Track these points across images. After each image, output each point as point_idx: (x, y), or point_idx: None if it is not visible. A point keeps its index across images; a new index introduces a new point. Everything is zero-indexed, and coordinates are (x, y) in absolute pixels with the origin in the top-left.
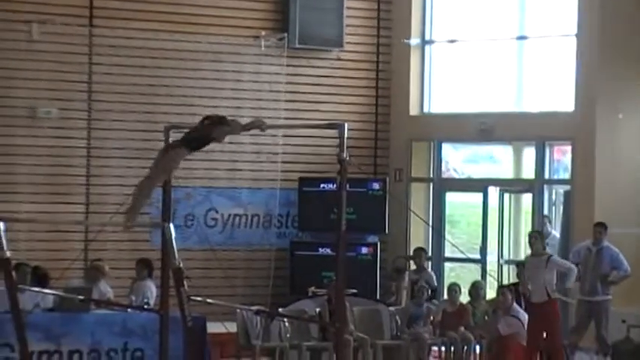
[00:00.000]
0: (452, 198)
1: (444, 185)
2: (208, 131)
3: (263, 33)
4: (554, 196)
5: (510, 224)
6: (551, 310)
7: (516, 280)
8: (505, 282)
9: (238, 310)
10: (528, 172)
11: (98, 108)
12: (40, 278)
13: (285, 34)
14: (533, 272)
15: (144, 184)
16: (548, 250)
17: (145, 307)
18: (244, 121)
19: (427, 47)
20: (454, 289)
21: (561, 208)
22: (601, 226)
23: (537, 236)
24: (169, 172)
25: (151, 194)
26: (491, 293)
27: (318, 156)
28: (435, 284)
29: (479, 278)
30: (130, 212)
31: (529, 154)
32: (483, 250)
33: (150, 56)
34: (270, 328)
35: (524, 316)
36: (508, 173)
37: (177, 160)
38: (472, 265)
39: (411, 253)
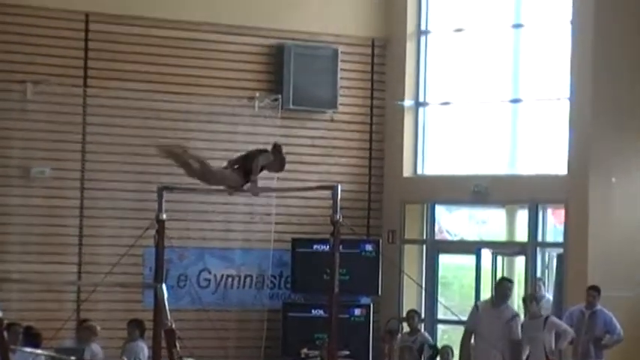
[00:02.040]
0: (445, 260)
1: (437, 247)
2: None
3: (257, 94)
4: (547, 259)
5: None
6: None
7: None
8: None
9: None
10: (521, 235)
11: (91, 168)
12: (33, 338)
13: (279, 96)
14: (532, 334)
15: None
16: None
17: None
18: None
19: (421, 109)
20: (447, 351)
21: (554, 270)
22: (594, 290)
23: (532, 299)
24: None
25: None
26: None
27: (311, 217)
28: (433, 343)
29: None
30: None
31: (522, 216)
32: None
33: (143, 117)
34: None
35: None
36: (501, 235)
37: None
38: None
39: (404, 315)
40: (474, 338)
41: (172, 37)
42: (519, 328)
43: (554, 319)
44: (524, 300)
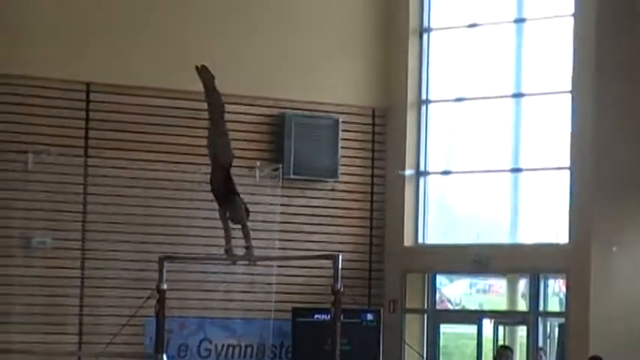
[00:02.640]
0: (446, 329)
1: (439, 317)
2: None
3: (258, 163)
4: (548, 329)
5: None
6: None
7: None
8: None
9: None
10: (523, 304)
11: (92, 238)
12: None
13: (280, 165)
14: None
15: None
16: None
17: None
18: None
19: (421, 178)
20: None
21: (556, 340)
22: None
23: None
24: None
25: None
26: None
27: (312, 287)
28: None
29: None
30: None
31: (523, 285)
32: None
33: (144, 186)
34: None
35: None
36: (503, 305)
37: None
38: None
39: None
40: None
41: (173, 106)
42: None
43: None
44: None
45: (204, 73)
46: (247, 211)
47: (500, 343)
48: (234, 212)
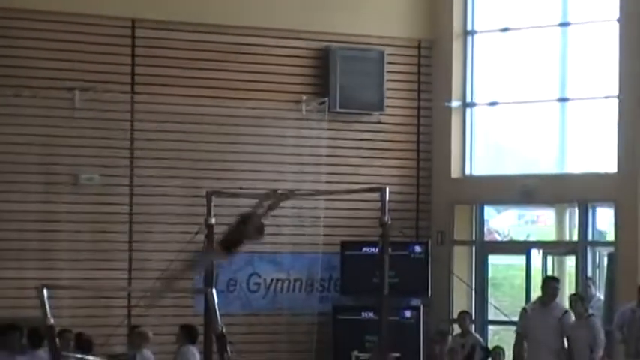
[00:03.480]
0: (494, 260)
1: (487, 248)
2: (241, 234)
3: (304, 97)
4: (597, 259)
5: None
6: None
7: None
8: None
9: None
10: (572, 234)
11: (140, 174)
12: (84, 345)
13: (326, 99)
14: (575, 333)
15: (166, 282)
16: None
17: None
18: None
19: (468, 110)
20: (498, 352)
21: (605, 270)
22: None
23: (578, 299)
24: (197, 270)
25: (171, 289)
26: None
27: (360, 219)
28: (485, 345)
29: None
30: (150, 299)
31: (572, 215)
32: None
33: (191, 122)
34: None
35: None
36: (551, 235)
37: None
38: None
39: (455, 317)
40: (527, 341)
41: (218, 41)
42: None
43: (595, 320)
44: (570, 299)
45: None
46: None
47: (549, 273)
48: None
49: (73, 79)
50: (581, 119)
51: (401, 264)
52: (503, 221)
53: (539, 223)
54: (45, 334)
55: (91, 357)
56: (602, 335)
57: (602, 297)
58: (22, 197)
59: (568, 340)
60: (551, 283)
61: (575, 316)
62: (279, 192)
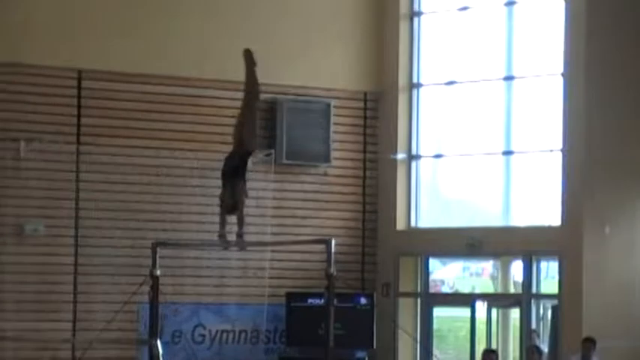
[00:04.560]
0: (440, 312)
1: (432, 300)
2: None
3: None
4: (542, 311)
5: (498, 338)
6: None
7: None
8: None
9: None
10: (516, 287)
11: (85, 225)
12: None
13: (273, 150)
14: None
15: None
16: None
17: None
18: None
19: (414, 162)
20: None
21: (549, 322)
22: (590, 342)
23: (534, 351)
24: None
25: None
26: None
27: (305, 271)
28: None
29: None
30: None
31: (516, 268)
32: None
33: (137, 173)
34: None
35: None
36: (495, 287)
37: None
38: None
39: None
40: None
41: (164, 93)
42: None
43: None
44: (527, 351)
45: (249, 58)
46: (246, 196)
47: (494, 325)
48: (235, 194)
49: (19, 130)
50: (526, 172)
51: (346, 316)
52: (448, 273)
53: (484, 275)
54: None
55: None
56: None
57: (546, 349)
58: None
59: None
60: (489, 357)
61: None
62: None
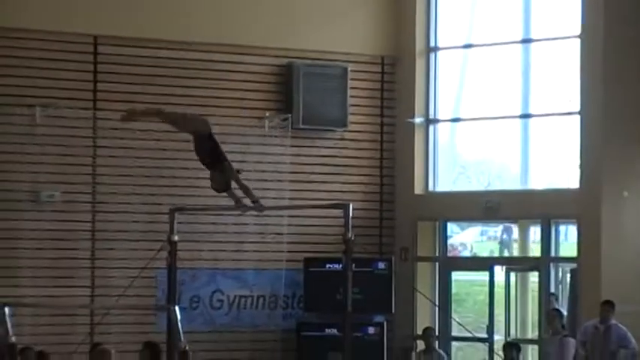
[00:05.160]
0: (458, 277)
1: (450, 264)
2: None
3: (267, 114)
4: (560, 275)
5: (517, 303)
6: None
7: None
8: None
9: None
10: (534, 250)
11: (102, 191)
12: None
13: (289, 115)
14: (549, 349)
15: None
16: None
17: None
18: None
19: (431, 126)
20: None
21: (568, 286)
22: (609, 305)
23: (555, 314)
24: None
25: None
26: None
27: (323, 236)
28: None
29: (486, 357)
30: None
31: (535, 232)
32: (490, 328)
33: (153, 138)
34: None
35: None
36: (514, 251)
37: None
38: (479, 345)
39: (419, 333)
40: None
41: (181, 58)
42: None
43: (569, 342)
44: (549, 315)
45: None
46: (238, 171)
47: (512, 289)
48: (225, 177)
49: (35, 95)
50: (545, 135)
51: (364, 281)
52: (466, 237)
53: (502, 239)
54: (6, 353)
55: None
56: (569, 356)
57: (565, 313)
58: None
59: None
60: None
61: (552, 332)
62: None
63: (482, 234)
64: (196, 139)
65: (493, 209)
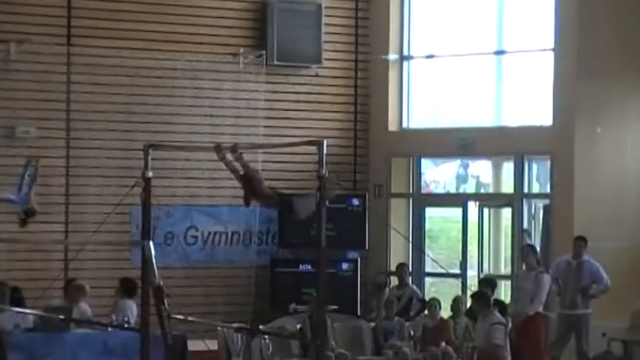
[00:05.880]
0: (432, 213)
1: (424, 201)
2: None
3: (241, 50)
4: (533, 210)
5: (490, 239)
6: (535, 325)
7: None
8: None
9: (219, 328)
10: (507, 187)
11: (76, 127)
12: (19, 300)
13: (264, 52)
14: (523, 285)
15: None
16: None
17: (126, 325)
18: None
19: (405, 63)
20: (434, 304)
21: (541, 222)
22: (581, 240)
23: (530, 250)
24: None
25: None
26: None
27: (297, 172)
28: (422, 297)
29: (459, 293)
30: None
31: (508, 168)
32: (463, 264)
33: (128, 74)
34: (252, 345)
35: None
36: (487, 188)
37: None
38: (452, 280)
39: (393, 269)
40: None
41: None
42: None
43: (543, 278)
44: (523, 250)
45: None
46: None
47: (486, 225)
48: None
49: (9, 31)
50: (518, 72)
51: (338, 217)
52: (440, 174)
53: (475, 175)
54: None
55: (28, 310)
56: (543, 293)
57: (538, 248)
58: None
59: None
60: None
61: (527, 268)
62: (223, 145)
63: (456, 170)
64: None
65: (467, 146)
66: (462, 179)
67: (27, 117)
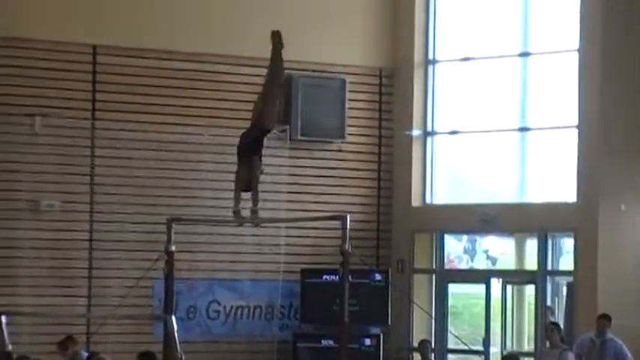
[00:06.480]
0: (454, 289)
1: (447, 276)
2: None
3: None
4: (557, 288)
5: (513, 316)
6: None
7: None
8: None
9: None
10: (531, 264)
11: (100, 200)
12: None
13: (288, 126)
14: None
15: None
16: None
17: None
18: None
19: (429, 138)
20: None
21: (564, 299)
22: (605, 318)
23: (554, 328)
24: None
25: None
26: None
27: (320, 247)
28: None
29: None
30: None
31: (531, 245)
32: (486, 341)
33: (152, 149)
34: None
35: None
36: (510, 264)
37: None
38: (475, 357)
39: (415, 345)
40: None
41: (179, 68)
42: None
43: (568, 356)
44: (547, 328)
45: (277, 39)
46: (261, 171)
47: (509, 302)
48: (251, 172)
49: (34, 105)
50: (542, 148)
51: (361, 292)
52: (462, 250)
53: (498, 252)
54: None
55: None
56: None
57: (561, 326)
58: None
59: None
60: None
61: (551, 345)
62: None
63: (479, 246)
64: (253, 126)
65: (490, 222)
66: (485, 255)
67: (51, 190)
